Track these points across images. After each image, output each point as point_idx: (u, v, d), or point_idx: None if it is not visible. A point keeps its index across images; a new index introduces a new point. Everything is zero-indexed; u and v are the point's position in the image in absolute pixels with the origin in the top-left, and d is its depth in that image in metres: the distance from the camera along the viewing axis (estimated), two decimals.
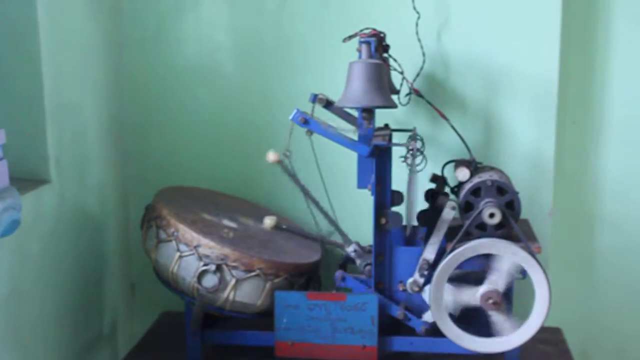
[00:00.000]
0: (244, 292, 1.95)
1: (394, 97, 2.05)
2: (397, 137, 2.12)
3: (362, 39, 1.92)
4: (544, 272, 1.85)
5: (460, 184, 2.02)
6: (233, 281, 1.93)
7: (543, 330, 1.89)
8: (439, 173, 2.12)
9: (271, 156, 2.02)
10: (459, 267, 1.88)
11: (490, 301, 1.85)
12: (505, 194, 1.91)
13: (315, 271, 2.12)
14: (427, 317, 1.94)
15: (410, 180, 1.93)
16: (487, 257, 1.87)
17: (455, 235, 1.89)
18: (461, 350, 1.92)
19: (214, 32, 2.38)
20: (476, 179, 1.94)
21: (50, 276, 1.98)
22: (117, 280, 2.42)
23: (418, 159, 1.98)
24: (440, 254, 1.91)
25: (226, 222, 2.10)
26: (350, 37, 1.98)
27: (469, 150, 2.06)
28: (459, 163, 2.03)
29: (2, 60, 1.92)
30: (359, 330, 1.96)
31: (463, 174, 1.98)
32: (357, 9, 2.25)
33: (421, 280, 1.95)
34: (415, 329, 1.98)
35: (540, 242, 1.95)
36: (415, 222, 2.04)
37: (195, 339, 2.04)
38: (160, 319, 2.41)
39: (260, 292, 1.96)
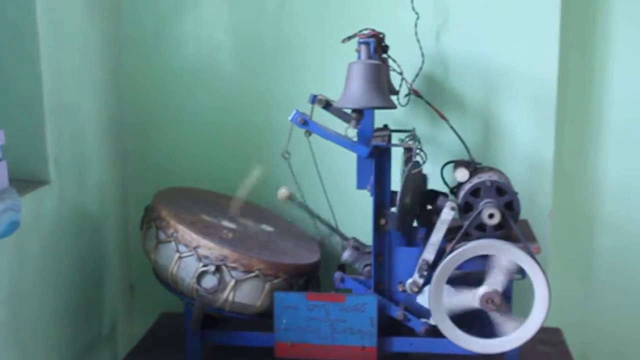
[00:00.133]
0: (244, 292, 1.95)
1: (393, 98, 2.05)
2: (396, 138, 2.12)
3: (361, 40, 1.92)
4: (544, 272, 1.85)
5: (460, 185, 2.01)
6: (232, 282, 1.93)
7: (543, 330, 1.89)
8: (438, 174, 2.12)
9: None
10: (458, 267, 1.88)
11: (491, 302, 1.85)
12: (504, 195, 1.91)
13: (315, 272, 2.12)
14: (430, 320, 1.94)
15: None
16: (487, 257, 1.87)
17: (455, 235, 1.89)
18: (461, 350, 1.92)
19: (214, 33, 2.38)
20: (475, 180, 1.94)
21: (49, 277, 1.98)
22: (116, 281, 2.42)
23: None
24: (440, 255, 1.91)
25: (225, 223, 2.10)
26: (350, 37, 1.98)
27: (468, 150, 2.06)
28: (458, 164, 2.03)
29: (2, 61, 1.92)
30: (359, 331, 1.96)
31: (462, 174, 1.98)
32: (357, 10, 2.26)
33: (420, 281, 1.95)
34: (414, 330, 1.98)
35: (539, 242, 1.95)
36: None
37: (194, 339, 2.04)
38: (160, 319, 2.41)
39: (260, 293, 1.97)
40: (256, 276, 1.95)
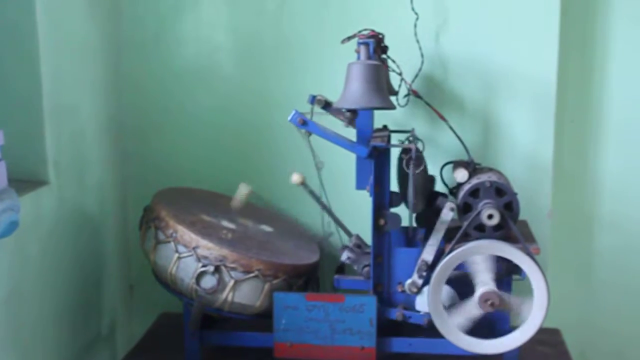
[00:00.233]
0: (243, 293, 1.95)
1: (393, 98, 2.05)
2: (395, 139, 2.12)
3: (361, 40, 1.93)
4: (543, 273, 1.85)
5: (459, 185, 2.02)
6: (232, 282, 1.93)
7: (542, 331, 1.89)
8: (437, 174, 2.12)
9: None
10: (457, 268, 1.88)
11: (490, 303, 1.85)
12: (503, 195, 1.91)
13: (314, 272, 2.12)
14: (421, 306, 1.94)
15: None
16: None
17: (454, 236, 1.89)
18: (460, 351, 1.92)
19: (214, 33, 2.38)
20: (475, 180, 1.94)
21: (49, 277, 1.98)
22: (115, 281, 2.42)
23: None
24: (439, 255, 1.91)
25: (225, 223, 2.10)
26: (349, 38, 1.98)
27: (467, 151, 2.06)
28: (457, 164, 2.03)
29: (1, 61, 1.92)
30: (358, 331, 1.96)
31: (461, 175, 1.98)
32: (356, 10, 2.26)
33: (420, 282, 1.95)
34: (416, 328, 1.97)
35: (539, 243, 1.96)
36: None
37: (194, 340, 2.04)
38: (159, 320, 2.41)
39: (259, 293, 1.97)
40: (255, 276, 1.95)
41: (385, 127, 2.16)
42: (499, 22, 2.24)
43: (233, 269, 1.93)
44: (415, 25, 2.20)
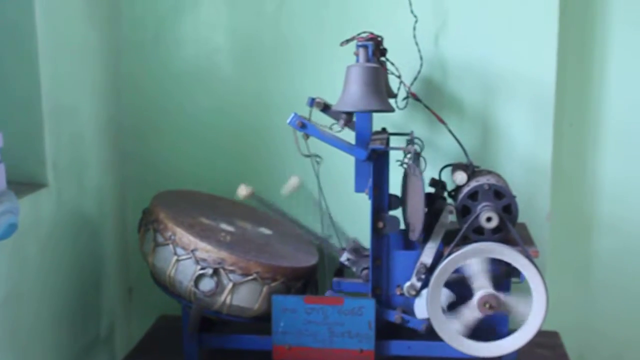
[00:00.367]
0: (241, 296, 1.95)
1: (392, 101, 2.06)
2: (394, 141, 2.12)
3: (360, 43, 1.92)
4: (541, 276, 1.85)
5: (458, 188, 2.01)
6: (230, 285, 1.93)
7: (540, 334, 1.89)
8: (436, 177, 2.12)
9: (242, 191, 2.02)
10: (456, 270, 1.88)
11: (489, 305, 1.85)
12: (502, 198, 1.91)
13: (313, 275, 2.12)
14: (421, 313, 1.94)
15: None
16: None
17: (453, 239, 1.89)
18: (458, 354, 1.92)
19: (213, 35, 2.38)
20: (473, 183, 1.94)
21: (48, 279, 1.98)
22: (114, 284, 2.42)
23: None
24: (438, 258, 1.91)
25: (224, 225, 2.10)
26: (348, 40, 1.98)
27: (466, 154, 2.06)
28: (456, 167, 2.03)
29: (0, 63, 1.92)
30: (357, 334, 1.96)
31: (460, 177, 1.98)
32: (355, 13, 2.26)
33: (418, 284, 1.95)
34: (414, 331, 1.97)
35: (537, 246, 1.96)
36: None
37: (192, 342, 2.04)
38: (158, 322, 2.41)
39: (258, 296, 1.96)
40: (254, 279, 1.94)
41: (384, 130, 2.16)
42: (498, 25, 2.24)
43: (231, 271, 1.93)
44: (414, 28, 2.20)
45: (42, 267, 1.95)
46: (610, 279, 2.44)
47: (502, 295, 1.84)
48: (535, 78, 2.25)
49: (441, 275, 1.87)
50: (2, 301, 1.77)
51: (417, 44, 2.20)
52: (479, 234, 1.91)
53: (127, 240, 2.47)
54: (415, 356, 2.02)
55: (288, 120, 1.93)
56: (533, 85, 2.25)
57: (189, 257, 1.93)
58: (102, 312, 2.34)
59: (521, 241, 1.88)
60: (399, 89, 2.17)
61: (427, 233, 1.97)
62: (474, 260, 1.85)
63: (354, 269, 2.05)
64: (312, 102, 2.01)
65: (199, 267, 1.92)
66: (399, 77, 2.12)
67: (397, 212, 2.01)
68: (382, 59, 2.07)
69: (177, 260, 1.94)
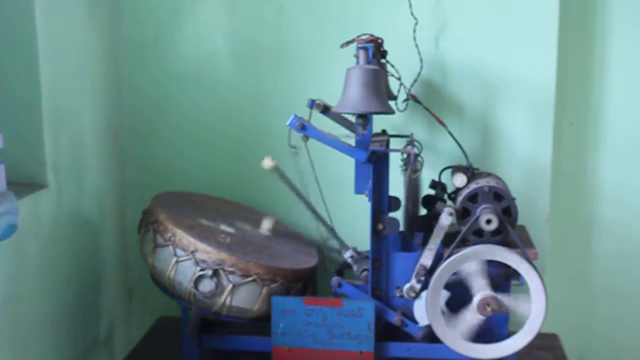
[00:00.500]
0: (241, 297, 1.95)
1: (392, 103, 2.06)
2: (394, 143, 2.12)
3: (360, 45, 1.93)
4: (541, 278, 1.85)
5: (458, 190, 2.02)
6: (230, 286, 1.93)
7: (540, 336, 1.89)
8: (436, 179, 2.12)
9: (267, 162, 2.02)
10: (455, 273, 1.88)
11: (489, 307, 1.85)
12: (502, 200, 1.92)
13: (312, 276, 2.12)
14: (423, 320, 1.94)
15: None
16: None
17: (453, 241, 1.89)
18: (458, 356, 1.92)
19: (213, 37, 2.38)
20: (473, 185, 1.94)
21: (47, 281, 1.98)
22: (114, 285, 2.42)
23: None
24: (438, 260, 1.91)
25: (223, 227, 2.10)
26: (348, 42, 1.98)
27: (466, 156, 2.06)
28: (456, 169, 2.03)
29: (1, 65, 1.92)
30: (356, 335, 1.96)
31: (460, 180, 1.98)
32: (355, 15, 2.26)
33: (418, 286, 1.95)
34: (412, 335, 1.98)
35: (537, 248, 1.96)
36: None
37: (192, 343, 2.04)
38: (157, 323, 2.41)
39: (257, 297, 1.96)
40: (253, 280, 1.95)
41: (384, 132, 2.17)
42: (498, 27, 2.24)
43: (231, 272, 1.93)
44: (414, 30, 2.21)
45: (42, 268, 1.95)
46: (610, 281, 2.44)
47: (501, 297, 1.84)
48: (535, 80, 2.25)
49: (441, 277, 1.87)
50: (1, 302, 1.76)
51: (417, 46, 2.21)
52: (478, 236, 1.91)
53: (127, 241, 2.47)
54: (415, 358, 2.02)
55: (288, 122, 1.93)
56: (533, 87, 2.25)
57: (189, 258, 1.93)
58: (101, 313, 2.34)
59: (521, 243, 1.88)
60: (399, 91, 2.17)
61: (426, 235, 1.97)
62: (471, 264, 1.85)
63: (355, 268, 2.05)
64: (312, 104, 2.01)
65: (198, 268, 1.92)
66: (399, 79, 2.12)
67: (397, 214, 2.01)
68: (382, 61, 2.08)
69: (177, 262, 1.94)
